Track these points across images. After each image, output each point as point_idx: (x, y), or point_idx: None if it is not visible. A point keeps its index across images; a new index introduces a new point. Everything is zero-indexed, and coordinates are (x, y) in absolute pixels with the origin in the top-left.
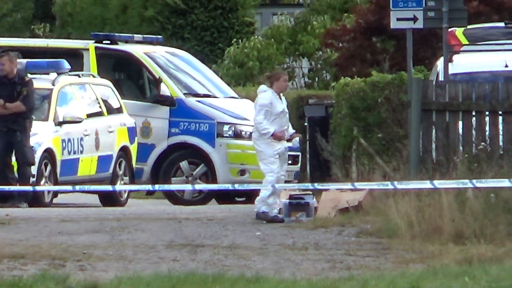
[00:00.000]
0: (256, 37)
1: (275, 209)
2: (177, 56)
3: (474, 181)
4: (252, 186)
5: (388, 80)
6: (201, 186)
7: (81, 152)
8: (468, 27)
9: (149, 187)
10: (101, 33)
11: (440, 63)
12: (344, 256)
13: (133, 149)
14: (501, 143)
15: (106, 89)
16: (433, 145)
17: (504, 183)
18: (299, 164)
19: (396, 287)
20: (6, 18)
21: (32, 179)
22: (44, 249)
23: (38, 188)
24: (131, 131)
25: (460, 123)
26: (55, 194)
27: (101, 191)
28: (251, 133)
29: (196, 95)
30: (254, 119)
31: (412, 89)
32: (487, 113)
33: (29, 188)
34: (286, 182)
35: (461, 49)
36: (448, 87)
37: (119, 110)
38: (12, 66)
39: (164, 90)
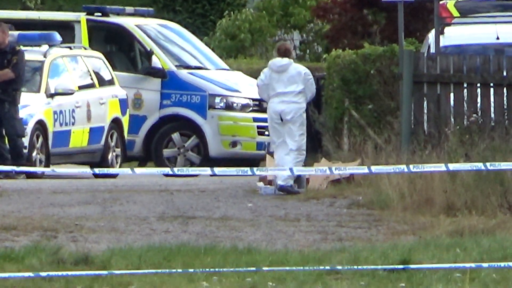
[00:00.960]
0: (247, 9)
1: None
2: (168, 29)
3: (488, 164)
4: (271, 171)
5: (379, 53)
6: (220, 170)
7: (73, 124)
8: None
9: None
10: (92, 6)
11: (431, 35)
12: (336, 227)
13: (125, 121)
14: (492, 115)
15: (98, 61)
16: (425, 117)
17: None
18: None
19: (388, 258)
20: None
21: (24, 151)
22: (36, 221)
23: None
24: (123, 103)
25: (452, 95)
26: (47, 166)
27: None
28: (243, 105)
29: (188, 67)
30: (313, 90)
31: (403, 62)
32: (478, 85)
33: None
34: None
35: (453, 21)
36: (439, 59)
37: (110, 82)
38: (4, 36)
39: (156, 62)
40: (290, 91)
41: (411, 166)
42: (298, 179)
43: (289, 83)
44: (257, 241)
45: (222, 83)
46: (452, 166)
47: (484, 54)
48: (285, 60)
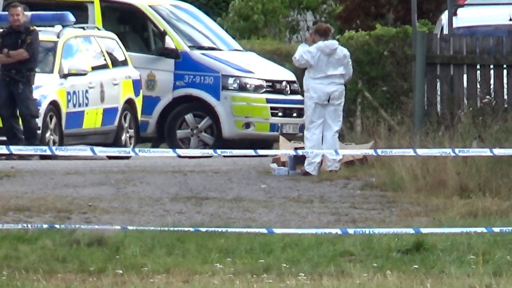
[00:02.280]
0: None
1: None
2: (181, 9)
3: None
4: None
5: (392, 34)
6: (265, 151)
7: (86, 104)
8: None
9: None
10: None
11: (444, 16)
12: (349, 209)
13: (138, 102)
14: (505, 97)
15: (111, 42)
16: (438, 99)
17: None
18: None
19: (401, 240)
20: None
21: (37, 132)
22: (49, 202)
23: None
24: (136, 84)
25: (465, 76)
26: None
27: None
28: (256, 85)
29: (201, 47)
30: (351, 73)
31: (416, 43)
32: (491, 66)
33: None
34: (290, 134)
35: (465, 2)
36: (453, 40)
37: (124, 63)
38: (18, 17)
39: (169, 42)
40: (338, 73)
41: (456, 150)
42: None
43: (338, 65)
44: (270, 222)
45: (235, 64)
46: (497, 151)
47: (497, 35)
48: (335, 42)
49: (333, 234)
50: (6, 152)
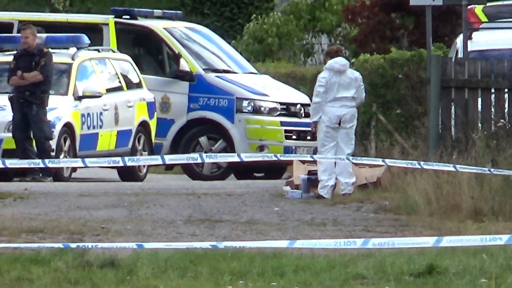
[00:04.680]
0: (275, 13)
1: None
2: (196, 32)
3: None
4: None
5: (407, 57)
6: (170, 157)
7: (101, 126)
8: (488, 4)
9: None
10: (120, 8)
11: (459, 40)
12: (362, 232)
13: (153, 124)
14: None
15: (126, 64)
16: (452, 122)
17: None
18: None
19: (414, 263)
20: None
21: (51, 154)
22: (62, 224)
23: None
24: (151, 106)
25: (479, 100)
26: (74, 168)
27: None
28: (270, 108)
29: (216, 70)
30: (363, 96)
31: (431, 66)
32: (506, 90)
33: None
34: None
35: (480, 26)
36: (467, 64)
37: (138, 85)
38: (32, 39)
39: (184, 65)
40: (350, 96)
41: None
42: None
43: (349, 87)
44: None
45: (250, 86)
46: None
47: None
48: (345, 60)
49: (347, 257)
50: (1, 166)
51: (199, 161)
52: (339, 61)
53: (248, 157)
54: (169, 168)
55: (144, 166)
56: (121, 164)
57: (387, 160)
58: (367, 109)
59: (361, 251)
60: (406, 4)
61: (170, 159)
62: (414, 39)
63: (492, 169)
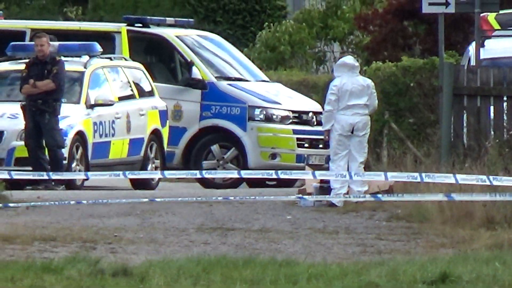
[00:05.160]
0: (287, 21)
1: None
2: (208, 40)
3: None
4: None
5: (419, 65)
6: (170, 172)
7: (113, 135)
8: (500, 12)
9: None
10: (133, 16)
11: (471, 48)
12: (375, 240)
13: (165, 132)
14: None
15: (138, 72)
16: (464, 130)
17: None
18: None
19: (427, 271)
20: (38, 0)
21: (63, 162)
22: (75, 232)
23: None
24: (163, 114)
25: (492, 108)
26: (86, 177)
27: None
28: (282, 116)
29: (228, 78)
30: (376, 104)
31: (443, 74)
32: None
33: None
34: (316, 165)
35: (493, 34)
36: (480, 72)
37: (150, 93)
38: (45, 47)
39: (196, 73)
40: (362, 103)
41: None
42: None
43: (361, 94)
44: (296, 253)
45: (262, 94)
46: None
47: None
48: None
49: (360, 265)
50: (8, 177)
51: (199, 176)
52: (346, 59)
53: (248, 174)
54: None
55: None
56: (121, 177)
57: (388, 174)
58: (380, 117)
59: (374, 258)
60: (419, 12)
61: (170, 173)
62: (427, 47)
63: (493, 180)
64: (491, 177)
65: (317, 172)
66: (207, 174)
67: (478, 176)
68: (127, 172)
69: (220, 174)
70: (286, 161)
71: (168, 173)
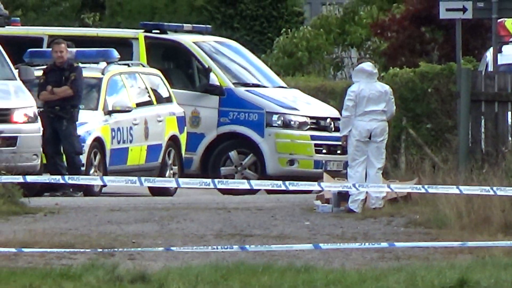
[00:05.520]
0: (305, 27)
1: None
2: (226, 46)
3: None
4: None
5: (437, 71)
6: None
7: (131, 141)
8: None
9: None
10: (150, 23)
11: (489, 53)
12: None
13: (182, 139)
14: None
15: (156, 78)
16: (482, 136)
17: None
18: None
19: (445, 277)
20: (55, 7)
21: (81, 169)
22: (93, 238)
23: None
24: (180, 121)
25: (509, 113)
26: (104, 183)
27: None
28: (300, 122)
29: (245, 84)
30: (393, 110)
31: (461, 80)
32: None
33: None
34: (334, 171)
35: (510, 39)
36: (497, 77)
37: (168, 100)
38: (62, 53)
39: (213, 79)
40: (380, 109)
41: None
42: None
43: (378, 100)
44: (314, 259)
45: (280, 100)
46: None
47: None
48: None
49: (378, 271)
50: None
51: (211, 186)
52: (364, 65)
53: (259, 185)
54: None
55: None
56: (137, 184)
57: (392, 186)
58: (397, 123)
59: (392, 264)
60: (436, 18)
61: (184, 182)
62: (444, 52)
63: (496, 190)
64: (494, 188)
65: (323, 184)
66: (220, 184)
67: (481, 187)
68: (143, 179)
69: (232, 185)
70: (304, 167)
71: (182, 182)
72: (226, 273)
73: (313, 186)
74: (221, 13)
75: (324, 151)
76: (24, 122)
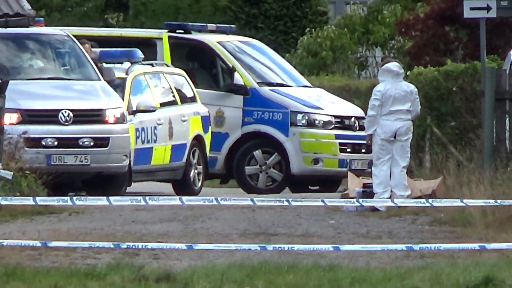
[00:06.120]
0: (329, 26)
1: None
2: (250, 45)
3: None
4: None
5: (461, 69)
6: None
7: (155, 141)
8: None
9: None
10: (174, 23)
11: None
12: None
13: (207, 138)
14: None
15: (180, 78)
16: (507, 134)
17: None
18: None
19: (470, 276)
20: (78, 7)
21: None
22: (118, 238)
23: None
24: (205, 120)
25: None
26: (129, 183)
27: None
28: (324, 122)
29: (270, 84)
30: (418, 109)
31: (485, 79)
32: None
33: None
34: (359, 170)
35: None
36: None
37: (192, 99)
38: (90, 53)
39: (238, 79)
40: (405, 109)
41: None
42: (370, 194)
43: (404, 100)
44: (339, 258)
45: (304, 100)
46: None
47: None
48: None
49: (403, 269)
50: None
51: (214, 203)
52: (391, 65)
53: (260, 200)
54: (224, 181)
55: (198, 180)
56: (142, 203)
57: (396, 201)
58: (422, 122)
59: (417, 263)
60: (460, 17)
61: (188, 199)
62: (468, 51)
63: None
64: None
65: (326, 200)
66: (222, 201)
67: (484, 200)
68: (147, 198)
69: (235, 201)
70: (328, 166)
71: (187, 199)
72: (251, 272)
73: (317, 202)
74: (245, 13)
75: (348, 150)
76: (114, 123)
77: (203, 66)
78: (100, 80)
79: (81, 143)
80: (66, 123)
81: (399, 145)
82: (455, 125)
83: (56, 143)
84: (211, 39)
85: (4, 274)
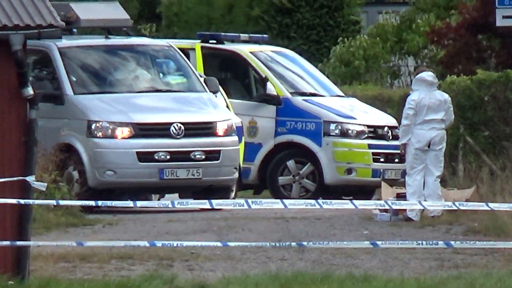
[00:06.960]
0: (362, 35)
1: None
2: (283, 55)
3: None
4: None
5: (494, 78)
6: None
7: None
8: None
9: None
10: (207, 33)
11: None
12: (452, 254)
13: (240, 149)
14: None
15: None
16: None
17: None
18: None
19: (505, 285)
20: None
21: None
22: (151, 250)
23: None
24: (238, 131)
25: None
26: (162, 195)
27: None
28: (357, 131)
29: (303, 93)
30: (452, 118)
31: None
32: None
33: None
34: (392, 180)
35: None
36: None
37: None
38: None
39: (271, 89)
40: (439, 118)
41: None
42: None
43: (438, 109)
44: (373, 268)
45: (337, 109)
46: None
47: None
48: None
49: (437, 279)
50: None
51: (245, 207)
52: (426, 75)
53: (292, 204)
54: (257, 192)
55: (232, 190)
56: (170, 206)
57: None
58: (455, 131)
59: (451, 273)
60: (493, 25)
61: (217, 203)
62: (501, 60)
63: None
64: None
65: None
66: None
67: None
68: (175, 202)
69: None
70: (362, 176)
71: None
72: (285, 282)
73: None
74: (278, 23)
75: (382, 159)
76: (224, 135)
77: (236, 76)
78: (206, 91)
79: (192, 157)
80: (178, 137)
81: (433, 155)
82: (488, 134)
83: (168, 157)
84: (244, 49)
85: (38, 287)
